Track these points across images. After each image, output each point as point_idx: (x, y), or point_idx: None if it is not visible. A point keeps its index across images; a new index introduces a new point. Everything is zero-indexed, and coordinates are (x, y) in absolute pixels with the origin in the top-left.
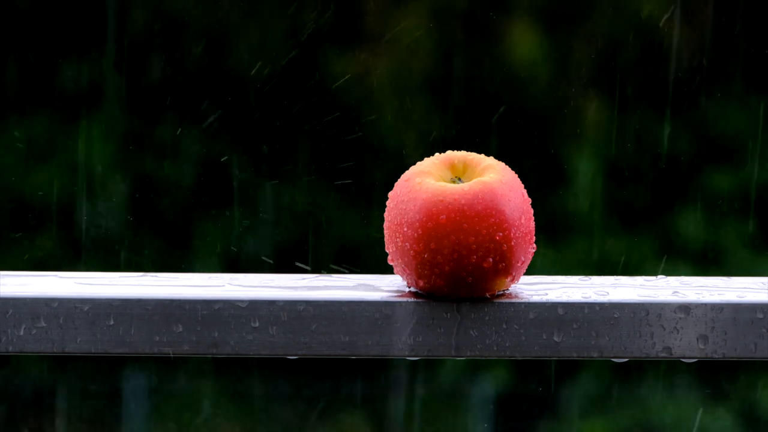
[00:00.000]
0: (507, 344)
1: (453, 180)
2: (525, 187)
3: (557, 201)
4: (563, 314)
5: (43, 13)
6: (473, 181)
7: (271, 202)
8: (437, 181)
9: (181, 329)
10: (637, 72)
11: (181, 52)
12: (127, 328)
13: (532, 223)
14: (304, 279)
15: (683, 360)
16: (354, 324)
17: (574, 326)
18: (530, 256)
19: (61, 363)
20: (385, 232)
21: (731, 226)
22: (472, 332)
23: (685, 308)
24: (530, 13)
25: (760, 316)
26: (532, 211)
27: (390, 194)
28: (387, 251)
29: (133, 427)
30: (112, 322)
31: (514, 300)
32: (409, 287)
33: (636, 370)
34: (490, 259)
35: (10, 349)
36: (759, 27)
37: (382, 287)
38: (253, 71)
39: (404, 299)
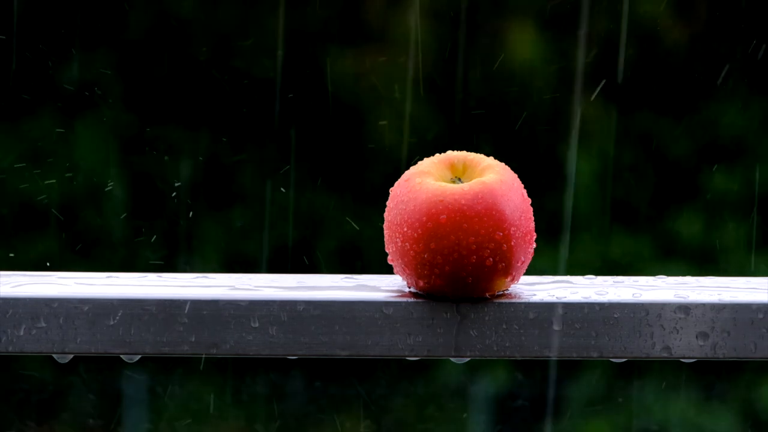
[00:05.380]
0: (507, 344)
1: (453, 180)
2: (525, 187)
3: (557, 201)
4: (563, 314)
5: (42, 11)
6: (473, 181)
7: (271, 202)
8: (437, 181)
9: (181, 329)
10: (637, 72)
11: (182, 51)
12: (127, 328)
13: (532, 223)
14: (304, 279)
15: (683, 360)
16: (354, 324)
17: (575, 326)
18: (530, 256)
19: (61, 363)
20: (385, 232)
21: (731, 226)
22: (472, 332)
23: (685, 308)
24: (530, 13)
25: (760, 316)
26: (531, 210)
27: (390, 194)
28: (387, 251)
29: (133, 427)
30: (112, 322)
31: (514, 300)
32: (409, 287)
33: (636, 370)
34: (490, 259)
35: (10, 349)
36: (759, 27)
37: (382, 287)
38: (254, 70)
39: (404, 299)
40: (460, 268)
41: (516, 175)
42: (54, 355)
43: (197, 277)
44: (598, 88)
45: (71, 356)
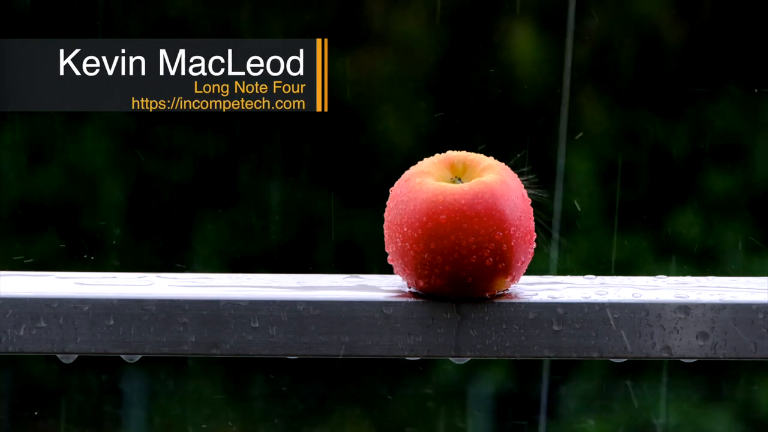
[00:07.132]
0: (507, 344)
1: (453, 180)
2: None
3: (556, 201)
4: (563, 314)
5: (41, 9)
6: (473, 181)
7: (271, 202)
8: (437, 181)
9: (181, 329)
10: (636, 71)
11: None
12: (127, 328)
13: (532, 223)
14: (304, 279)
15: (683, 360)
16: (354, 324)
17: (575, 326)
18: (530, 256)
19: (62, 363)
20: (385, 232)
21: (730, 226)
22: (472, 332)
23: (685, 308)
24: (529, 12)
25: (760, 316)
26: (531, 210)
27: (390, 194)
28: (387, 251)
29: (133, 427)
30: (112, 322)
31: (514, 300)
32: (409, 287)
33: (636, 370)
34: (490, 259)
35: (10, 349)
36: (758, 26)
37: (382, 287)
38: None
39: (404, 299)
40: (460, 268)
41: (516, 175)
42: (58, 356)
43: (197, 277)
44: (598, 88)
45: (75, 356)
